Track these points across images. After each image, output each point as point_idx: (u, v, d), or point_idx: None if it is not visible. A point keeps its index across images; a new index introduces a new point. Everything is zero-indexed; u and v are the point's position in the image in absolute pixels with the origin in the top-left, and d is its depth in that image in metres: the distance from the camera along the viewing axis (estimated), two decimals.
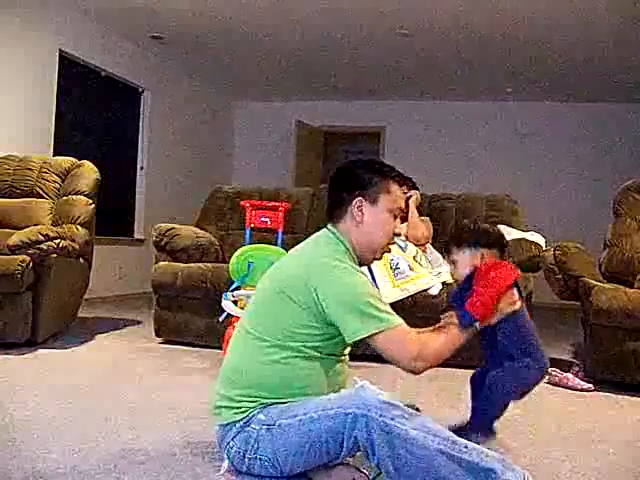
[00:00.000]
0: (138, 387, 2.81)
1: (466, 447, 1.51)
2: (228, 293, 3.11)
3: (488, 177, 7.85)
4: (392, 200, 1.80)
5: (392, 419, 1.52)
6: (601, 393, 3.01)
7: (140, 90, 7.22)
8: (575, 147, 8.14)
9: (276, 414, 1.65)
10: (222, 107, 8.91)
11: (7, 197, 4.23)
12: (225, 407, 1.71)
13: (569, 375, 3.14)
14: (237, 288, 3.24)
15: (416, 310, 3.43)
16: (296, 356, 1.68)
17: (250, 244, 3.81)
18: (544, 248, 3.53)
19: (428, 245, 3.87)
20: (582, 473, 1.89)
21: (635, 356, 3.00)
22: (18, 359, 3.30)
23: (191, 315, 3.90)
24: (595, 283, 3.19)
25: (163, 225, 4.13)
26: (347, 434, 1.56)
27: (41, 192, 4.23)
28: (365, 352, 3.56)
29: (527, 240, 3.60)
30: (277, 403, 1.67)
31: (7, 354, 3.35)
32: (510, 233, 3.64)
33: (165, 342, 3.95)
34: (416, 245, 3.50)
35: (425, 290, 3.27)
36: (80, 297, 4.21)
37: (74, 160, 4.38)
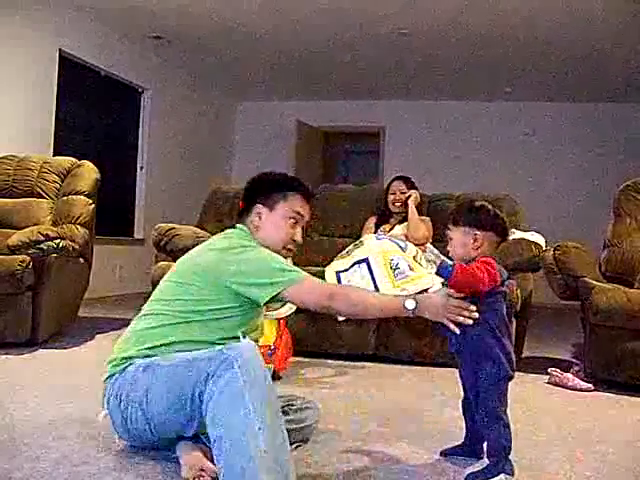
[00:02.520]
0: None
1: (259, 429, 1.48)
2: None
3: (488, 177, 7.84)
4: (289, 207, 1.97)
5: (239, 366, 1.54)
6: (601, 393, 3.01)
7: (140, 90, 7.22)
8: (575, 147, 8.14)
9: (159, 358, 1.74)
10: (222, 107, 8.91)
11: (7, 197, 4.23)
12: (112, 361, 1.83)
13: (569, 375, 3.14)
14: None
15: None
16: (198, 324, 1.81)
17: None
18: (544, 248, 3.53)
19: (428, 245, 3.86)
20: (582, 473, 1.89)
21: (635, 356, 3.00)
22: (18, 359, 3.30)
23: None
24: (595, 283, 3.19)
25: (163, 225, 4.13)
26: (206, 369, 1.59)
27: (41, 192, 4.23)
28: (366, 352, 3.58)
29: (527, 240, 3.60)
30: (161, 352, 1.77)
31: (7, 354, 3.35)
32: (510, 233, 3.64)
33: None
34: (416, 245, 3.50)
35: (425, 290, 3.27)
36: (80, 297, 4.21)
37: (74, 160, 4.38)
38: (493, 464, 1.76)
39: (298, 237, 1.99)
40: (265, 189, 2.00)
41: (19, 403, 2.39)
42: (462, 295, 1.76)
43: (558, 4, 5.23)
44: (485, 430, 1.80)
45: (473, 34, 6.02)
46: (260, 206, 1.97)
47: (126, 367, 1.77)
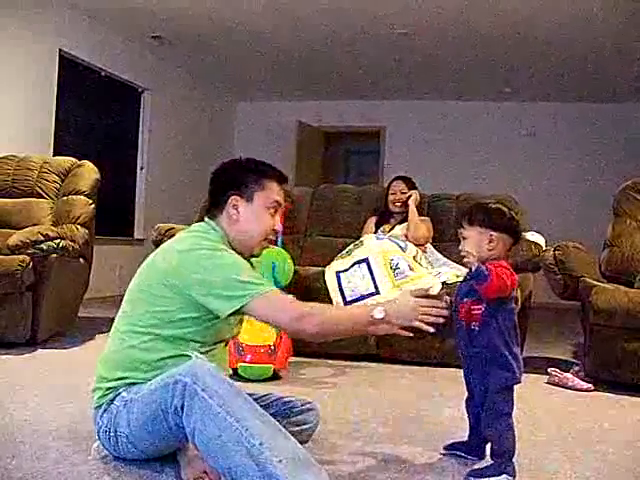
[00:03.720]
0: None
1: (261, 444, 1.46)
2: None
3: (488, 177, 7.84)
4: (267, 196, 1.86)
5: (203, 390, 1.52)
6: (601, 393, 3.01)
7: (140, 90, 7.22)
8: (575, 147, 8.15)
9: (134, 391, 1.70)
10: (222, 107, 8.91)
11: (7, 197, 4.23)
12: (98, 388, 1.78)
13: (569, 375, 3.14)
14: None
15: None
16: (165, 340, 1.73)
17: None
18: (544, 248, 3.53)
19: (428, 245, 3.87)
20: (582, 473, 1.89)
21: (635, 356, 2.99)
22: (18, 359, 3.30)
23: None
24: (595, 283, 3.19)
25: (163, 225, 4.13)
26: (170, 402, 1.57)
27: (41, 192, 4.23)
28: (366, 352, 3.58)
29: (527, 240, 3.60)
30: (142, 383, 1.72)
31: (7, 354, 3.35)
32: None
33: None
34: (416, 245, 3.50)
35: (425, 290, 3.27)
36: (80, 297, 4.21)
37: (74, 160, 4.38)
38: (496, 464, 1.77)
39: (278, 226, 1.90)
40: (238, 178, 1.86)
41: (19, 403, 2.39)
42: (429, 293, 1.76)
43: (558, 4, 5.23)
44: (490, 432, 1.81)
45: (473, 34, 6.02)
46: (236, 197, 1.84)
47: (112, 399, 1.73)
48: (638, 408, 2.78)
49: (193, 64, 7.56)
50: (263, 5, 5.63)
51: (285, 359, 3.13)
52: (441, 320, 1.72)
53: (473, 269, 1.74)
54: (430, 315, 1.71)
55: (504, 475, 1.74)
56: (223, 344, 1.89)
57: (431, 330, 1.73)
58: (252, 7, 5.68)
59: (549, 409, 2.72)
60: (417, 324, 1.72)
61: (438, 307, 1.72)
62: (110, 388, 1.75)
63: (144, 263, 1.87)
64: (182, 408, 1.55)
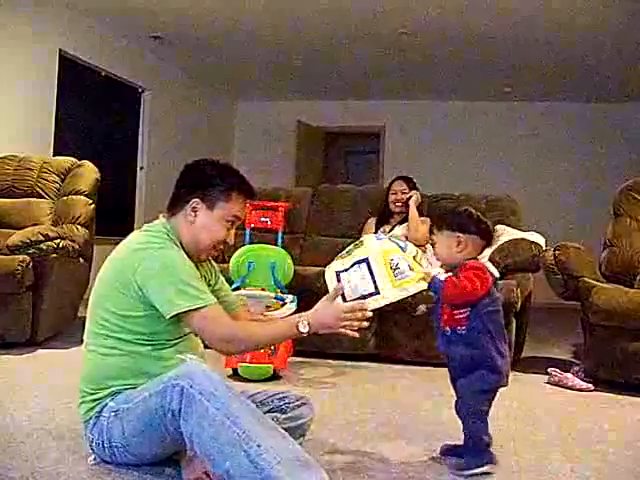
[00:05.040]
0: None
1: (259, 446, 1.46)
2: None
3: (488, 177, 7.84)
4: (229, 209, 1.83)
5: (200, 393, 1.53)
6: (601, 393, 3.01)
7: (140, 90, 7.21)
8: (574, 147, 8.14)
9: (123, 399, 1.70)
10: (222, 107, 8.90)
11: (7, 197, 4.23)
12: (83, 402, 1.77)
13: (569, 375, 3.14)
14: (237, 288, 3.24)
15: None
16: (128, 342, 1.73)
17: (250, 244, 3.81)
18: (544, 248, 3.53)
19: (428, 245, 3.86)
20: (582, 473, 1.89)
21: (635, 356, 2.99)
22: (18, 359, 3.30)
23: None
24: (595, 283, 3.19)
25: None
26: (168, 406, 1.57)
27: (41, 192, 4.23)
28: (366, 352, 3.58)
29: (527, 240, 3.60)
30: (126, 389, 1.72)
31: (7, 354, 3.35)
32: (510, 233, 3.64)
33: None
34: (416, 246, 3.50)
35: (425, 290, 3.27)
36: (80, 297, 4.21)
37: (74, 160, 4.38)
38: (477, 455, 1.82)
39: (230, 239, 1.87)
40: (207, 183, 1.82)
41: (19, 403, 2.39)
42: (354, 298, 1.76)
43: (558, 4, 5.23)
44: (467, 425, 1.86)
45: (473, 34, 6.02)
46: (198, 200, 1.81)
47: (100, 412, 1.73)
48: (638, 408, 2.78)
49: (193, 64, 7.55)
50: (263, 5, 5.62)
51: (285, 359, 3.13)
52: (365, 324, 1.74)
53: (433, 280, 1.79)
54: (353, 321, 1.73)
55: (488, 465, 1.80)
56: (192, 333, 1.88)
57: (356, 335, 1.75)
58: (252, 7, 5.68)
59: (549, 409, 2.72)
60: (342, 331, 1.74)
61: (359, 315, 1.73)
62: (96, 400, 1.74)
63: (104, 264, 1.88)
64: (179, 412, 1.54)
